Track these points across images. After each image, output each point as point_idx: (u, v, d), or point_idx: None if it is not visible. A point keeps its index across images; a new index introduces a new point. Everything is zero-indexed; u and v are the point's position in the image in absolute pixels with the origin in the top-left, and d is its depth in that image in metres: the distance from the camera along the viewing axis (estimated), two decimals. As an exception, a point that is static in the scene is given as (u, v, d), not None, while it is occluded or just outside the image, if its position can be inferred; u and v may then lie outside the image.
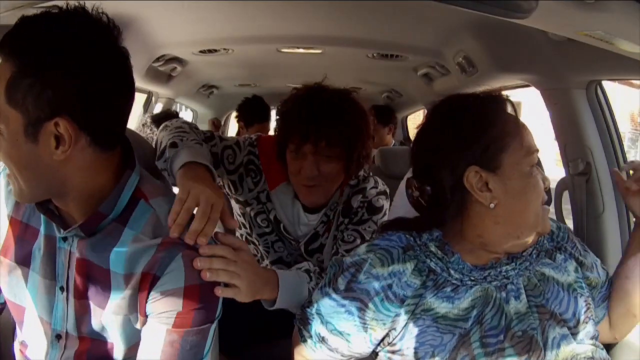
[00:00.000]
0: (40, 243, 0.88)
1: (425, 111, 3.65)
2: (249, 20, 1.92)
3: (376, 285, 0.91)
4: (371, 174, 1.45)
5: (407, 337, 0.91)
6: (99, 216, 0.83)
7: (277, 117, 1.32)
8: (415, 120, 4.38)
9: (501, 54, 1.78)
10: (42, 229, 0.89)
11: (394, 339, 0.92)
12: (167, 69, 2.57)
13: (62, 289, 0.88)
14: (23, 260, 0.90)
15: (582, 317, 0.96)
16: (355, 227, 1.36)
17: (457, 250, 0.94)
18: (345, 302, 0.93)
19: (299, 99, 1.28)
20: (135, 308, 0.84)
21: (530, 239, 0.95)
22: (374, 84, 3.54)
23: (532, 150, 0.93)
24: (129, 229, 0.84)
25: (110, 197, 0.83)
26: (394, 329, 0.91)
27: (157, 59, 2.33)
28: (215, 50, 2.34)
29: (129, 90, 0.81)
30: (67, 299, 0.88)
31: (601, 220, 1.43)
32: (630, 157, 11.38)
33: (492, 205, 0.90)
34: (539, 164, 0.94)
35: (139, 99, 3.12)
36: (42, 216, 0.88)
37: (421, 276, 0.92)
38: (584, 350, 0.95)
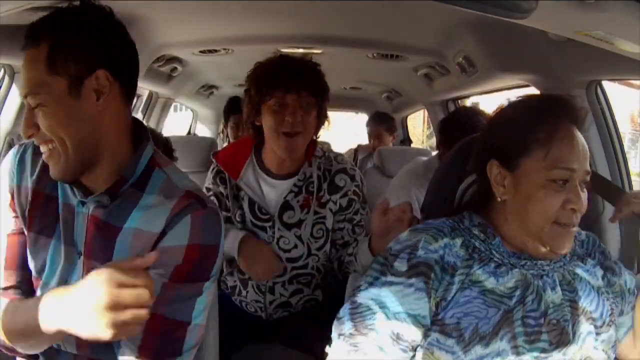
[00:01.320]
0: (61, 211, 0.97)
1: (426, 111, 3.65)
2: (249, 20, 1.92)
3: (435, 256, 0.93)
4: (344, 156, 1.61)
5: (453, 306, 0.92)
6: (122, 180, 0.94)
7: (248, 86, 1.47)
8: (414, 121, 4.36)
9: (501, 54, 1.78)
10: (60, 198, 0.97)
11: (439, 309, 0.92)
12: (167, 69, 2.58)
13: (79, 253, 0.95)
14: (46, 231, 0.96)
15: (608, 319, 0.98)
16: (354, 221, 1.50)
17: (498, 235, 0.98)
18: (412, 280, 0.91)
19: (274, 63, 1.45)
20: None
21: (539, 249, 0.94)
22: (374, 84, 3.54)
23: (559, 166, 0.90)
24: (147, 194, 0.95)
25: (130, 163, 0.95)
26: (444, 298, 0.92)
27: (157, 59, 2.34)
28: (215, 50, 2.34)
29: (135, 50, 0.98)
30: (84, 264, 0.94)
31: (601, 220, 1.43)
32: (630, 157, 11.36)
33: (499, 199, 0.95)
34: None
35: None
36: (59, 185, 0.97)
37: (468, 250, 0.95)
38: (597, 359, 0.96)
